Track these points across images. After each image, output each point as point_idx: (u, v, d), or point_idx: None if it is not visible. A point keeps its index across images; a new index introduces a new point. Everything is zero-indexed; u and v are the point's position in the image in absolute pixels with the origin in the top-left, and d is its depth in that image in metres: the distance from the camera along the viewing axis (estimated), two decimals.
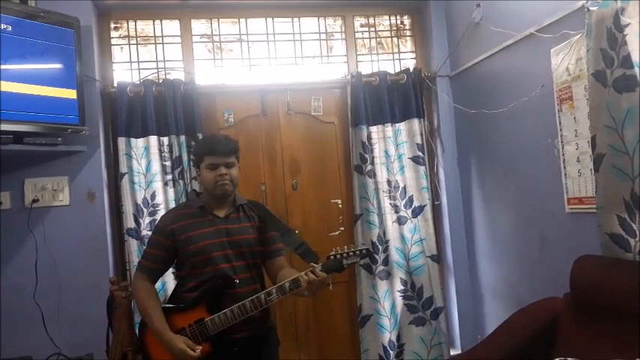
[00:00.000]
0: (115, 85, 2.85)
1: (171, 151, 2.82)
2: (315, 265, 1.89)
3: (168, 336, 1.90)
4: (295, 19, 3.23)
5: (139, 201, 2.77)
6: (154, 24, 3.06)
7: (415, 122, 3.09)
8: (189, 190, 2.80)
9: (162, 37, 3.06)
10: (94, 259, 2.67)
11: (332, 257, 1.91)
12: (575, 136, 2.14)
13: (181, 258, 2.02)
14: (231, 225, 2.04)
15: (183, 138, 2.82)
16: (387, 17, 3.36)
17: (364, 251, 1.94)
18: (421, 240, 3.06)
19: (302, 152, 3.11)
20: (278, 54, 3.19)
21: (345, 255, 1.91)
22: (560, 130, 2.23)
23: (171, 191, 2.81)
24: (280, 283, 1.90)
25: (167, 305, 2.04)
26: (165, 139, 2.82)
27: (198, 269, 1.98)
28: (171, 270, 2.45)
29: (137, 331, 2.11)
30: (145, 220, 2.77)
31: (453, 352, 3.10)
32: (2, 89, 2.26)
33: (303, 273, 1.87)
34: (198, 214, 2.04)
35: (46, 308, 2.55)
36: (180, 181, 2.81)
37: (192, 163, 2.10)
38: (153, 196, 2.80)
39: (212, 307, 1.93)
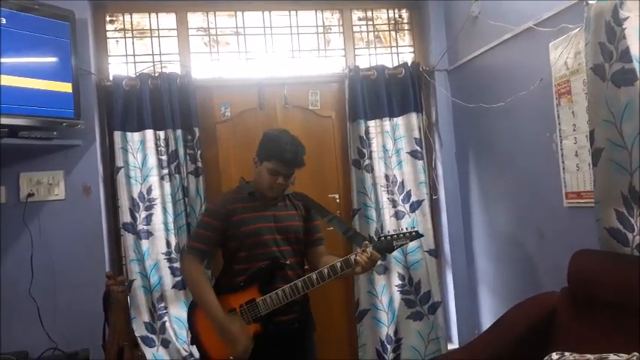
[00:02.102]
0: (111, 78, 2.83)
1: (167, 145, 2.80)
2: (368, 244, 1.94)
3: (223, 318, 1.96)
4: (292, 13, 3.21)
5: (135, 195, 2.76)
6: (149, 17, 3.03)
7: (413, 116, 3.08)
8: (185, 184, 2.80)
9: (159, 30, 3.04)
10: (90, 253, 2.66)
11: (382, 238, 1.97)
12: (574, 130, 2.13)
13: (232, 240, 2.06)
14: (278, 212, 2.11)
15: (179, 132, 2.81)
16: (385, 11, 3.34)
17: (414, 233, 1.99)
18: None
19: None
20: (275, 47, 3.17)
21: (395, 237, 1.97)
22: (559, 124, 2.22)
23: (167, 185, 2.79)
24: (332, 264, 1.95)
25: (219, 287, 2.09)
26: (162, 133, 2.81)
27: (248, 251, 2.03)
28: None
29: (187, 312, 2.17)
30: (141, 215, 2.75)
31: (450, 347, 3.10)
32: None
33: (353, 254, 1.93)
34: (248, 199, 2.10)
35: (42, 303, 2.54)
36: (177, 176, 2.80)
37: (256, 152, 2.12)
38: (149, 191, 2.78)
39: (263, 288, 1.99)
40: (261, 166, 2.07)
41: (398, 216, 3.04)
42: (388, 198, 3.05)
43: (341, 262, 1.94)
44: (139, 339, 2.67)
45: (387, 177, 3.05)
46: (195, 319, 2.10)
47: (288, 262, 2.04)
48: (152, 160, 2.80)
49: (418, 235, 2.00)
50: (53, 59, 2.48)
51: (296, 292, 1.96)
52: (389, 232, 2.00)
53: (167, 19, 3.06)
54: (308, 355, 2.15)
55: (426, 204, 3.08)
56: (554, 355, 1.64)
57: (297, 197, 2.21)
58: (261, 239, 2.03)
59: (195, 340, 2.10)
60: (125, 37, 3.01)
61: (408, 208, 3.07)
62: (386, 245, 1.95)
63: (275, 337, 2.02)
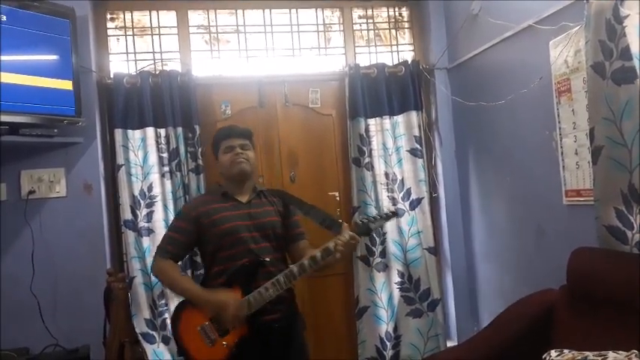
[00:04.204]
0: (112, 76, 2.83)
1: (168, 143, 2.81)
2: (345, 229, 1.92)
3: (207, 295, 1.94)
4: (293, 11, 3.21)
5: (136, 193, 2.76)
6: (150, 15, 3.03)
7: (413, 115, 3.08)
8: (186, 181, 2.80)
9: (159, 28, 3.04)
10: (91, 250, 2.67)
11: (359, 222, 1.96)
12: (574, 128, 2.14)
13: (206, 243, 2.04)
14: (254, 209, 2.08)
15: (180, 130, 2.81)
16: (385, 9, 3.34)
17: (389, 213, 1.99)
18: (418, 232, 3.06)
19: (300, 144, 3.11)
20: (275, 45, 3.17)
21: (371, 219, 1.96)
22: (559, 122, 2.22)
23: (168, 183, 2.80)
24: (311, 254, 1.93)
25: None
26: (162, 131, 2.81)
27: (225, 251, 2.00)
28: None
29: (171, 324, 2.14)
30: (142, 212, 2.76)
31: (449, 344, 3.11)
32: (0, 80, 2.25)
33: (332, 241, 1.90)
34: (221, 200, 2.08)
35: (43, 299, 2.55)
36: (178, 173, 2.80)
37: (213, 154, 2.17)
38: (150, 188, 2.79)
39: (245, 289, 1.94)
40: (219, 157, 2.10)
41: (398, 214, 3.05)
42: (388, 196, 3.05)
43: (320, 252, 1.91)
44: (139, 335, 2.67)
45: (387, 175, 3.06)
46: (179, 329, 2.04)
47: (267, 258, 1.98)
48: (153, 158, 2.80)
49: (394, 215, 2.01)
50: (54, 57, 2.49)
51: (279, 287, 1.92)
52: (365, 215, 1.98)
53: (168, 17, 3.06)
54: (298, 356, 2.09)
55: (425, 202, 3.08)
56: (554, 353, 1.64)
57: (274, 193, 2.19)
58: (237, 237, 1.99)
59: (182, 350, 2.04)
60: (126, 35, 3.01)
61: (407, 206, 3.07)
62: (363, 228, 1.94)
63: (261, 338, 1.96)
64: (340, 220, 2.08)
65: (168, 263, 2.03)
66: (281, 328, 2.02)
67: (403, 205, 3.07)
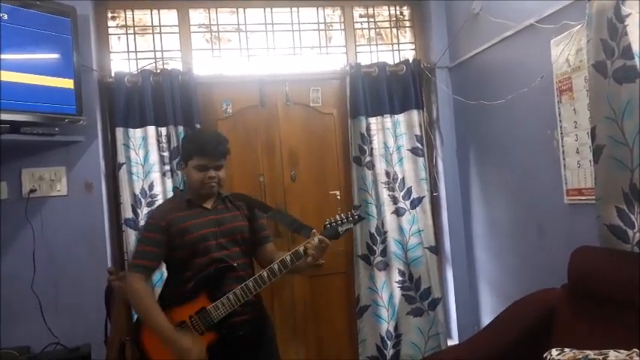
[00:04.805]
0: (113, 75, 2.83)
1: (169, 142, 2.81)
2: (315, 232, 1.93)
3: (174, 335, 1.87)
4: (294, 10, 3.21)
5: (137, 191, 2.77)
6: (151, 13, 3.03)
7: (414, 113, 3.08)
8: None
9: (160, 26, 3.04)
10: (92, 249, 2.67)
11: (327, 226, 1.97)
12: (575, 127, 2.14)
13: (176, 250, 1.99)
14: (220, 215, 2.04)
15: (181, 128, 2.81)
16: (386, 8, 3.33)
17: (356, 217, 2.01)
18: (419, 231, 3.07)
19: (300, 143, 3.11)
20: (276, 44, 3.17)
21: (339, 222, 1.97)
22: (560, 121, 2.22)
23: (169, 182, 2.80)
24: (281, 257, 1.92)
25: (165, 300, 2.01)
26: (164, 130, 2.82)
27: (194, 259, 1.97)
28: None
29: (134, 330, 2.08)
30: (143, 211, 2.76)
31: (450, 343, 3.11)
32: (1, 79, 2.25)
33: (301, 245, 1.92)
34: (186, 207, 2.03)
35: (44, 298, 2.55)
36: (179, 172, 2.80)
37: (179, 157, 2.10)
38: (151, 187, 2.79)
39: (213, 295, 1.93)
40: (187, 167, 2.03)
41: (398, 213, 3.05)
42: (389, 195, 3.05)
43: (290, 255, 1.91)
44: None
45: (387, 174, 3.06)
46: (144, 339, 1.98)
47: (235, 264, 1.96)
48: (154, 157, 2.81)
49: (361, 218, 2.04)
50: (55, 55, 2.49)
51: (248, 293, 1.91)
52: (332, 218, 1.98)
53: (169, 16, 3.06)
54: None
55: (426, 201, 3.09)
56: (555, 351, 1.64)
57: (238, 198, 2.16)
58: (205, 245, 1.96)
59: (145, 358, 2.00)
60: (127, 34, 3.01)
61: (408, 205, 3.07)
62: (331, 232, 1.95)
63: (228, 342, 1.94)
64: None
65: (142, 286, 1.95)
66: (250, 332, 2.00)
67: (404, 204, 3.07)
